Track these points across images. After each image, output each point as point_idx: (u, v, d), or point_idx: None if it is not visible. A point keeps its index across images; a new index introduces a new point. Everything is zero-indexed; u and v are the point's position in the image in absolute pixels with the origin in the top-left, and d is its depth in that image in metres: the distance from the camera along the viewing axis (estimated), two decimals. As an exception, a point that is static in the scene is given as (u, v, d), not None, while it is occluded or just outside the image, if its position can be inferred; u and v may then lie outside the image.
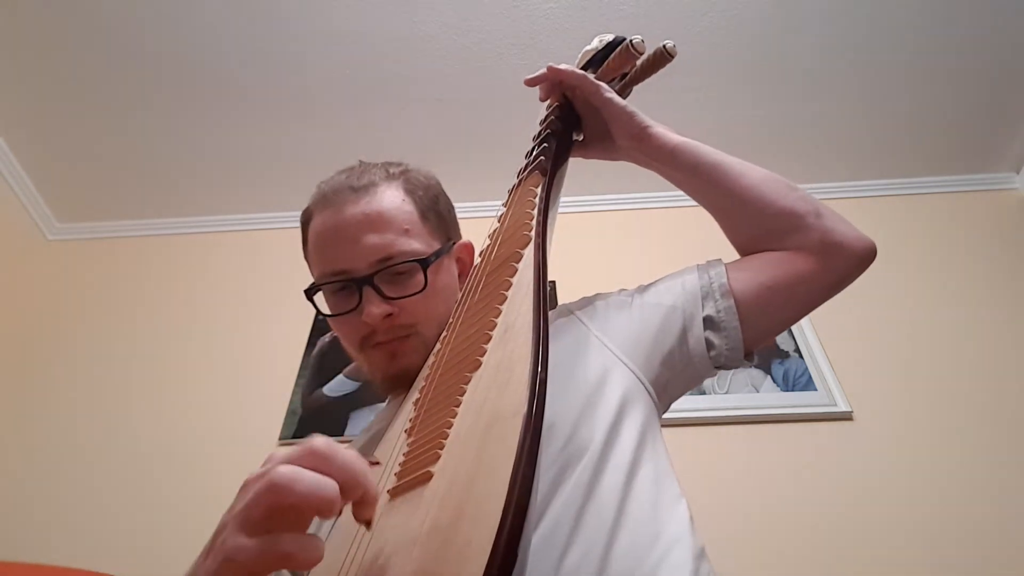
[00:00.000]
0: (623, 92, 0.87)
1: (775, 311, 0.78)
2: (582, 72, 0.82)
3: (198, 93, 2.27)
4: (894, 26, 2.14)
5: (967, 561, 1.61)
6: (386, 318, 0.74)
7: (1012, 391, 1.92)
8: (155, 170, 2.47)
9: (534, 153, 0.81)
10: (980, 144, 2.44)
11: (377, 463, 0.52)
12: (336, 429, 1.96)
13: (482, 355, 0.54)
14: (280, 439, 1.96)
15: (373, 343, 0.77)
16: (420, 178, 0.84)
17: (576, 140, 0.88)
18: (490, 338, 0.55)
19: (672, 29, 2.14)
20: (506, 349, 0.51)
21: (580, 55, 0.88)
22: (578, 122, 0.87)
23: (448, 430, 0.49)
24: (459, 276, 0.86)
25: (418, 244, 0.78)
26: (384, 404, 0.90)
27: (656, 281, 0.83)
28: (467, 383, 0.53)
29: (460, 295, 0.74)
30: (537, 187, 0.72)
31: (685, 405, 1.90)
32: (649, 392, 0.73)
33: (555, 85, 0.85)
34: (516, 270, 0.60)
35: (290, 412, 2.02)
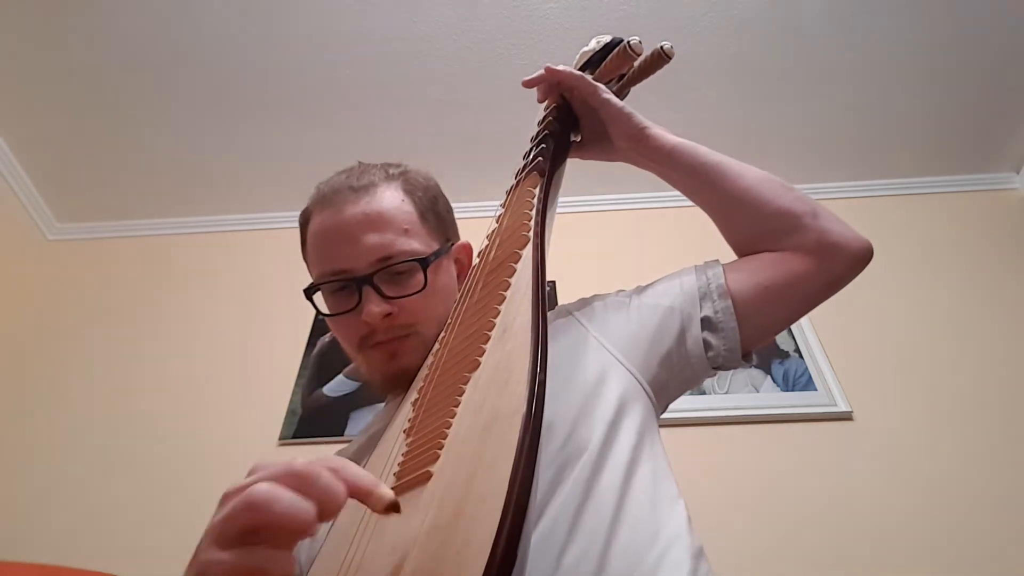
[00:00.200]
0: (621, 93, 0.87)
1: (773, 311, 0.78)
2: (580, 73, 0.82)
3: (198, 93, 2.27)
4: (894, 26, 2.14)
5: (967, 561, 1.61)
6: (385, 318, 0.75)
7: (1012, 391, 1.92)
8: (155, 170, 2.46)
9: (532, 154, 0.81)
10: (980, 144, 2.44)
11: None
12: (336, 429, 1.96)
13: (481, 355, 0.54)
14: (280, 439, 1.96)
15: (372, 343, 0.77)
16: (419, 179, 0.85)
17: (574, 141, 0.88)
18: (489, 338, 0.55)
19: (671, 29, 2.14)
20: (505, 349, 0.51)
21: (578, 56, 0.88)
22: (576, 123, 0.87)
23: (447, 430, 0.49)
24: (457, 277, 0.86)
25: (417, 244, 0.78)
26: (383, 404, 0.90)
27: (654, 282, 0.83)
28: (466, 383, 0.53)
29: (458, 295, 0.75)
30: (535, 188, 0.72)
31: (685, 405, 1.90)
32: (647, 392, 0.73)
33: (553, 86, 0.85)
34: (515, 271, 0.60)
35: (290, 412, 2.02)
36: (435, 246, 0.81)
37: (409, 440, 0.54)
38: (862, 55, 2.21)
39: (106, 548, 1.75)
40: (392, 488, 0.49)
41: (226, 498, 0.40)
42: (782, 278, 0.76)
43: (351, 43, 2.17)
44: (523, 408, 0.40)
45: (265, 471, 0.40)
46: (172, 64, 2.19)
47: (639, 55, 0.82)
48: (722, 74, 2.26)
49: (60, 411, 2.09)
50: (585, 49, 0.88)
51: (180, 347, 2.23)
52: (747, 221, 0.80)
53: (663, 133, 0.82)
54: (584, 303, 0.84)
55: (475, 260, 0.77)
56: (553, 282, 2.22)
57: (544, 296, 0.53)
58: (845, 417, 1.90)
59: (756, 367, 2.02)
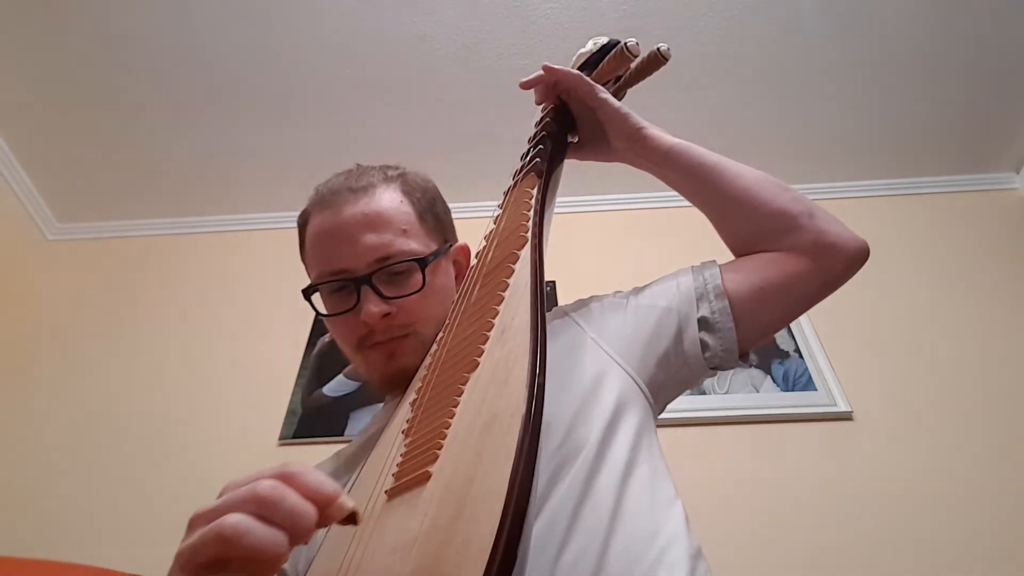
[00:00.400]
0: (617, 95, 0.87)
1: (769, 311, 0.78)
2: (578, 72, 0.82)
3: (198, 93, 2.27)
4: (893, 26, 2.14)
5: (968, 561, 1.61)
6: (384, 317, 0.75)
7: (1012, 391, 1.92)
8: (155, 170, 2.46)
9: (529, 155, 0.81)
10: (980, 144, 2.44)
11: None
12: (336, 429, 1.96)
13: (479, 355, 0.54)
14: (280, 439, 1.96)
15: (371, 343, 0.77)
16: (418, 181, 0.85)
17: (571, 142, 0.88)
18: (487, 339, 0.55)
19: (671, 29, 2.14)
20: (504, 350, 0.51)
21: (575, 58, 0.89)
22: (573, 124, 0.87)
23: (446, 430, 0.49)
24: (455, 278, 0.87)
25: (416, 244, 0.78)
26: (382, 405, 0.90)
27: (651, 283, 0.84)
28: (465, 383, 0.53)
29: (457, 296, 0.75)
30: (533, 188, 0.72)
31: (685, 405, 1.91)
32: (644, 393, 0.74)
33: (550, 88, 0.85)
34: (513, 271, 0.60)
35: (290, 412, 2.02)
36: (433, 247, 0.81)
37: (408, 441, 0.54)
38: (862, 55, 2.21)
39: (106, 548, 1.75)
40: (391, 488, 0.49)
41: (194, 523, 0.40)
42: (779, 278, 0.76)
43: (351, 43, 2.17)
44: (522, 408, 0.40)
45: (231, 497, 0.39)
46: (172, 64, 2.19)
47: (636, 57, 0.83)
48: (722, 74, 2.26)
49: (60, 411, 2.09)
50: (582, 51, 0.88)
51: (180, 347, 2.23)
52: (744, 221, 0.80)
53: (660, 134, 0.82)
54: (581, 304, 0.84)
55: (473, 261, 0.77)
56: (553, 282, 2.22)
57: (543, 297, 0.53)
58: (845, 417, 1.90)
59: (756, 367, 2.02)
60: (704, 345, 0.75)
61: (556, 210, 2.54)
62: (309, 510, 0.39)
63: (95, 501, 1.87)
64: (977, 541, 1.64)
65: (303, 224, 0.84)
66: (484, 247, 0.75)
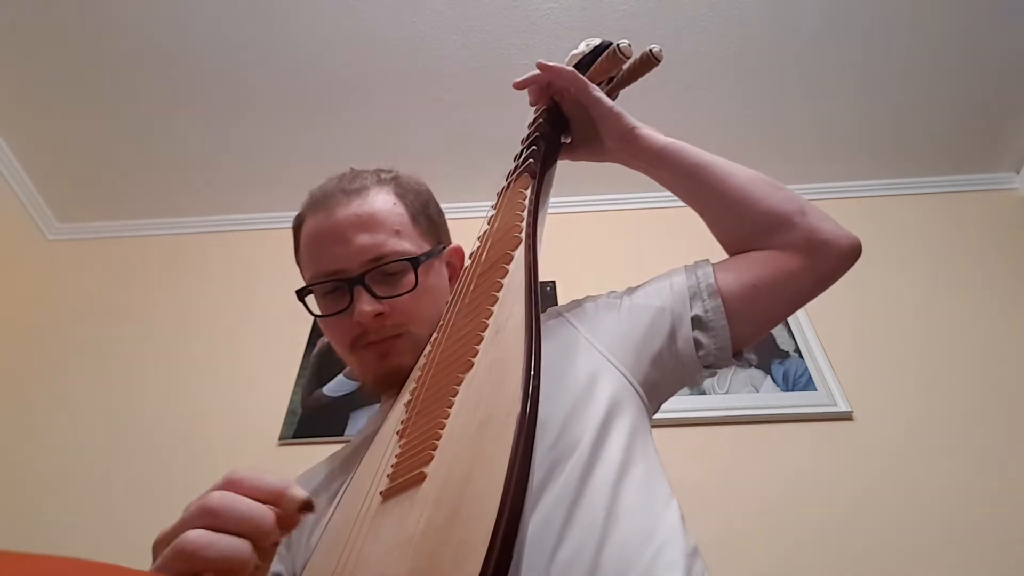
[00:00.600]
0: (610, 96, 0.87)
1: (762, 309, 0.78)
2: (571, 70, 0.82)
3: (198, 93, 2.27)
4: (893, 26, 2.14)
5: (967, 561, 1.61)
6: (377, 317, 0.75)
7: (1012, 391, 1.92)
8: (155, 170, 2.47)
9: (523, 156, 0.81)
10: (980, 144, 2.44)
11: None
12: (336, 429, 1.96)
13: (474, 356, 0.54)
14: (280, 439, 1.96)
15: (364, 343, 0.77)
16: (411, 183, 0.86)
17: (564, 142, 0.88)
18: (482, 339, 0.55)
19: (671, 29, 2.14)
20: (498, 350, 0.51)
21: (567, 59, 0.89)
22: (566, 124, 0.87)
23: (441, 431, 0.49)
24: (449, 280, 0.87)
25: (409, 245, 0.79)
26: (379, 406, 0.90)
27: (645, 283, 0.84)
28: (459, 384, 0.53)
29: (451, 297, 0.75)
30: (526, 189, 0.72)
31: (686, 405, 1.91)
32: (639, 393, 0.74)
33: (544, 88, 0.85)
34: (507, 271, 0.60)
35: (290, 412, 2.02)
36: (426, 247, 0.82)
37: (403, 441, 0.54)
38: (862, 55, 2.21)
39: (105, 547, 1.75)
40: (386, 489, 0.49)
41: (156, 547, 0.41)
42: (772, 276, 0.76)
43: (351, 43, 2.17)
44: (517, 409, 0.40)
45: (185, 517, 0.40)
46: (172, 64, 2.19)
47: (628, 58, 0.83)
48: (722, 74, 2.26)
49: (60, 411, 2.09)
50: (574, 52, 0.88)
51: (180, 347, 2.23)
52: (737, 220, 0.80)
53: (653, 133, 0.82)
54: (575, 304, 0.85)
55: (467, 262, 0.77)
56: (553, 282, 2.23)
57: (537, 296, 0.53)
58: (845, 417, 1.90)
59: (756, 367, 2.02)
60: (698, 344, 0.75)
61: (556, 210, 2.55)
62: (261, 510, 0.40)
63: (94, 501, 1.87)
64: (977, 541, 1.64)
65: (298, 227, 0.85)
66: (478, 248, 0.75)
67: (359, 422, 1.96)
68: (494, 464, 0.38)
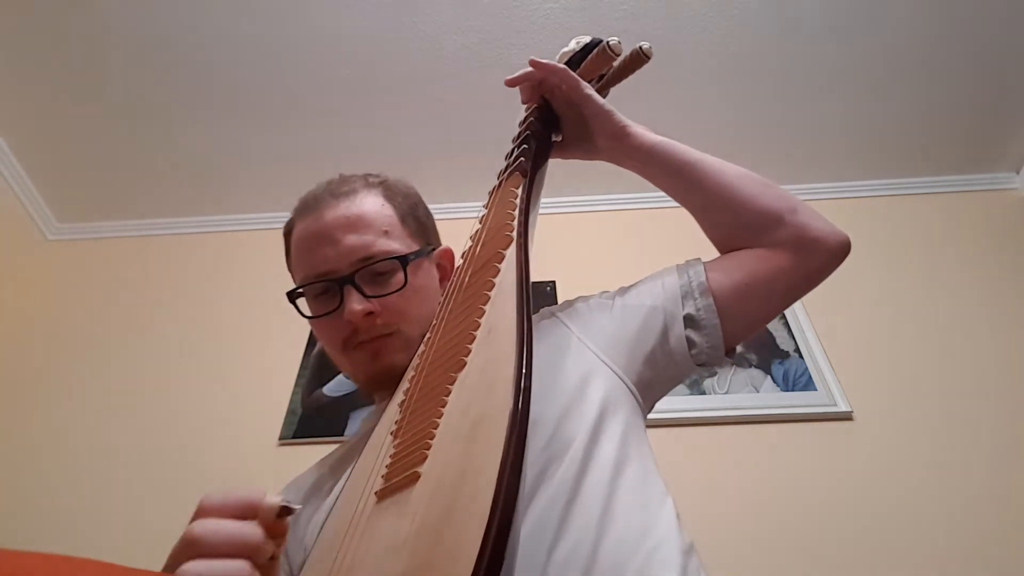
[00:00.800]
0: (600, 94, 0.87)
1: (754, 307, 0.79)
2: (562, 67, 0.82)
3: (198, 93, 2.27)
4: (893, 26, 2.14)
5: (967, 561, 1.61)
6: (367, 316, 0.76)
7: (1012, 391, 1.91)
8: (155, 170, 2.47)
9: (514, 155, 0.82)
10: (980, 144, 2.44)
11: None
12: (336, 429, 1.96)
13: (467, 356, 0.54)
14: (280, 439, 1.96)
15: (355, 343, 0.78)
16: (399, 186, 0.87)
17: (555, 141, 0.88)
18: (474, 339, 0.55)
19: (671, 29, 2.14)
20: (491, 350, 0.51)
21: (557, 56, 0.89)
22: (557, 123, 0.87)
23: (434, 431, 0.49)
24: (440, 282, 0.88)
25: (398, 245, 0.80)
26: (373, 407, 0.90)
27: (637, 283, 0.84)
28: (452, 383, 0.53)
29: (443, 297, 0.75)
30: (518, 188, 0.73)
31: (685, 405, 1.91)
32: (632, 392, 0.74)
33: (535, 86, 0.86)
34: (499, 271, 0.61)
35: (290, 412, 2.02)
36: (415, 248, 0.82)
37: (396, 442, 0.54)
38: (862, 55, 2.21)
39: (105, 548, 1.75)
40: (381, 490, 0.49)
41: None
42: (762, 274, 0.77)
43: (351, 43, 2.17)
44: (509, 407, 0.41)
45: (173, 555, 0.41)
46: (172, 64, 2.20)
47: (618, 55, 0.83)
48: (722, 74, 2.26)
49: (60, 411, 2.09)
50: (565, 50, 0.88)
51: (180, 347, 2.23)
52: (728, 219, 0.81)
53: (644, 132, 0.82)
54: (567, 305, 0.85)
55: (459, 261, 0.77)
56: (553, 282, 2.23)
57: (529, 295, 0.53)
58: (845, 417, 1.89)
59: (756, 367, 2.02)
60: (690, 342, 0.76)
61: (556, 210, 2.55)
62: (245, 527, 0.41)
63: (94, 501, 1.87)
64: (977, 541, 1.64)
65: (288, 232, 0.86)
66: (470, 247, 0.75)
67: (359, 422, 1.96)
68: (486, 463, 0.38)
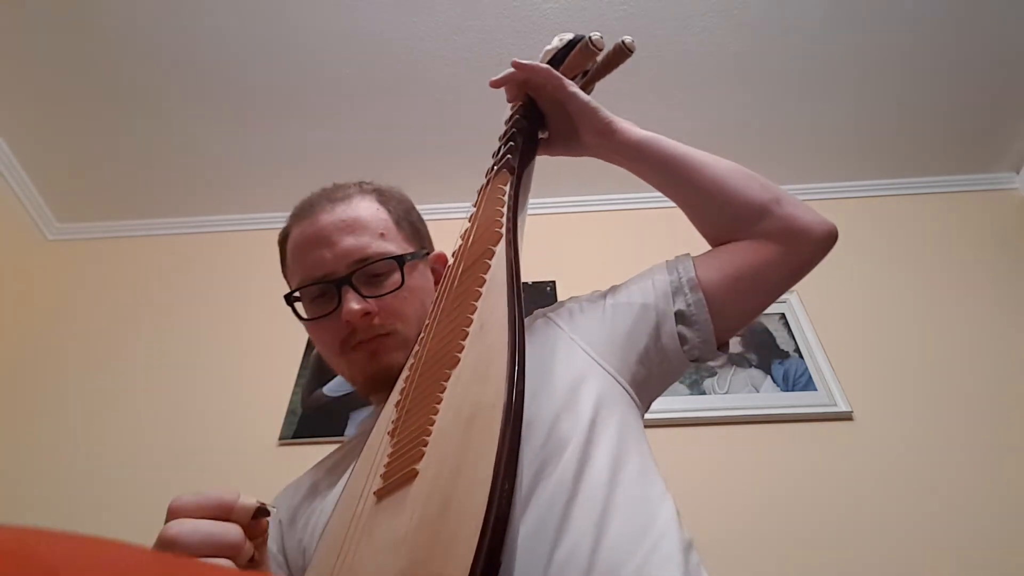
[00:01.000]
0: (584, 90, 0.88)
1: (744, 300, 0.79)
2: (547, 66, 0.83)
3: (198, 93, 2.27)
4: (893, 26, 2.14)
5: (967, 561, 1.61)
6: (365, 316, 0.76)
7: (1012, 391, 1.91)
8: (155, 170, 2.47)
9: (501, 152, 0.82)
10: (980, 144, 2.44)
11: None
12: (336, 429, 1.96)
13: (460, 352, 0.54)
14: (280, 439, 1.96)
15: (354, 343, 0.78)
16: (393, 192, 0.89)
17: (541, 138, 0.89)
18: (467, 335, 0.55)
19: (671, 29, 2.14)
20: (483, 344, 0.51)
21: (541, 54, 0.89)
22: (543, 119, 0.87)
23: (431, 427, 0.49)
24: (434, 285, 0.89)
25: (393, 247, 0.81)
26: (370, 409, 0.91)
27: (627, 281, 0.84)
28: (447, 380, 0.53)
29: (436, 297, 0.75)
30: (506, 185, 0.73)
31: (685, 405, 1.91)
32: (627, 391, 0.74)
33: (521, 85, 0.86)
34: (489, 267, 0.61)
35: (290, 412, 2.03)
36: (410, 250, 0.84)
37: (394, 441, 0.54)
38: (862, 55, 2.21)
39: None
40: (379, 489, 0.49)
41: None
42: (751, 266, 0.77)
43: (351, 43, 2.17)
44: (503, 398, 0.41)
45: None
46: (172, 64, 2.20)
47: (601, 50, 0.84)
48: (722, 74, 2.26)
49: (60, 411, 2.09)
50: (548, 47, 0.89)
51: (180, 347, 2.24)
52: (715, 212, 0.81)
53: (630, 127, 0.82)
54: (559, 305, 0.86)
55: (450, 261, 0.78)
56: (553, 282, 2.23)
57: (519, 289, 0.53)
58: (845, 417, 1.90)
59: (756, 367, 2.02)
60: (682, 338, 0.76)
61: (556, 210, 2.55)
62: (220, 526, 0.41)
63: (94, 501, 1.87)
64: (977, 541, 1.64)
65: (284, 239, 0.87)
66: (460, 246, 0.75)
67: (358, 422, 1.96)
68: (482, 456, 0.38)
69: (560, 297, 2.18)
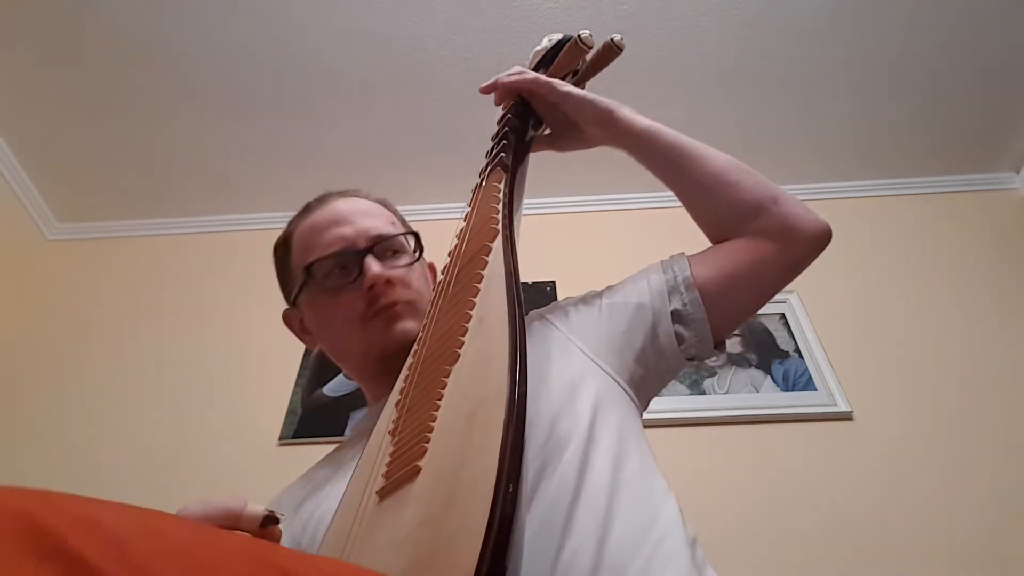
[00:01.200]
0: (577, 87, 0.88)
1: (739, 298, 0.79)
2: (532, 75, 0.84)
3: (198, 93, 2.27)
4: (893, 26, 2.14)
5: (967, 561, 1.61)
6: (387, 283, 0.79)
7: (1012, 391, 1.91)
8: (155, 170, 2.47)
9: (494, 151, 0.83)
10: (980, 144, 2.44)
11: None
12: (336, 429, 1.96)
13: (460, 348, 0.54)
14: (280, 439, 1.96)
15: (374, 311, 0.80)
16: (391, 204, 0.95)
17: (545, 134, 0.90)
18: (466, 331, 0.55)
19: (671, 30, 2.14)
20: (483, 339, 0.51)
21: (531, 55, 0.90)
22: (534, 116, 0.88)
23: (432, 424, 0.49)
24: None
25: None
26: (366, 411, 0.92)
27: (623, 281, 0.85)
28: (447, 376, 0.53)
29: (433, 296, 0.76)
30: (500, 183, 0.73)
31: (686, 405, 1.91)
32: (625, 390, 0.74)
33: (510, 92, 0.87)
34: (487, 263, 0.61)
35: (290, 412, 2.02)
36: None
37: (395, 440, 0.54)
38: (862, 55, 2.21)
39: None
40: (382, 488, 0.49)
41: None
42: (746, 265, 0.77)
43: (351, 43, 2.17)
44: (505, 388, 0.40)
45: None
46: (172, 64, 2.20)
47: (590, 48, 0.84)
48: (722, 75, 2.26)
49: (60, 411, 2.09)
50: (537, 48, 0.89)
51: (180, 347, 2.23)
52: (713, 207, 0.82)
53: (631, 116, 0.82)
54: (555, 306, 0.86)
55: (446, 259, 0.78)
56: (553, 282, 2.23)
57: (517, 283, 0.53)
58: (845, 417, 1.90)
59: (756, 367, 2.02)
60: (679, 337, 0.76)
61: (556, 210, 2.54)
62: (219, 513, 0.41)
63: (94, 501, 1.87)
64: (976, 541, 1.64)
65: (285, 240, 0.91)
66: (456, 244, 0.75)
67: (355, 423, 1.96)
68: (485, 449, 0.38)
69: (560, 297, 2.18)
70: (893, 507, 1.71)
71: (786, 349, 2.07)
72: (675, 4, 2.10)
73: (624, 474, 0.63)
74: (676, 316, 0.77)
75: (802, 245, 0.77)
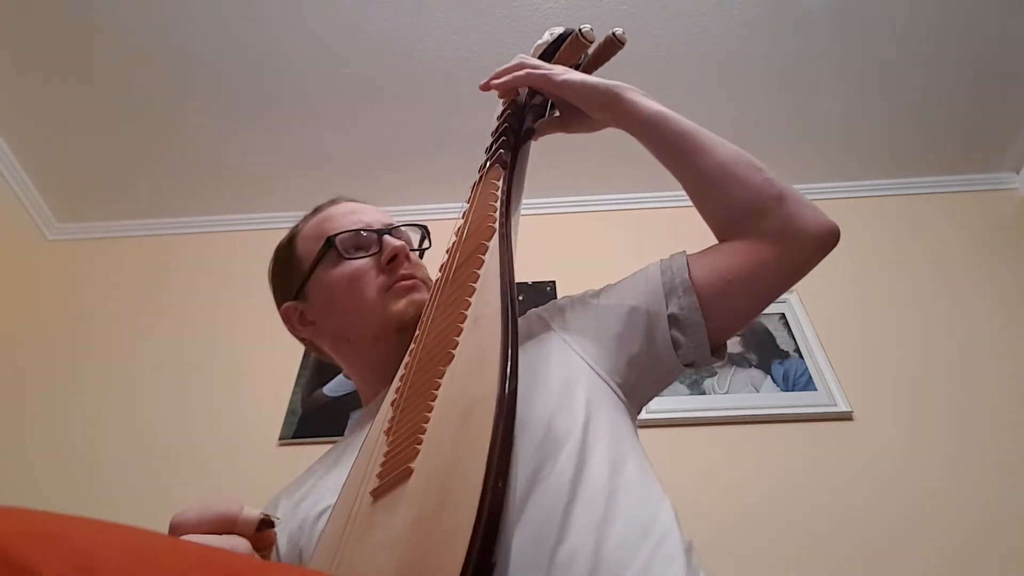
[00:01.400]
0: None
1: (738, 302, 0.76)
2: (526, 70, 0.83)
3: (198, 93, 2.27)
4: (895, 27, 2.14)
5: (967, 560, 1.61)
6: (406, 256, 0.85)
7: (1012, 390, 1.91)
8: (155, 170, 2.47)
9: (493, 148, 0.82)
10: (980, 144, 2.44)
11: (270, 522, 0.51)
12: (336, 429, 1.96)
13: (455, 348, 0.54)
14: (280, 439, 1.96)
15: (394, 280, 0.83)
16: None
17: (549, 117, 0.89)
18: (461, 330, 0.55)
19: (672, 29, 2.14)
20: (477, 339, 0.50)
21: (532, 49, 0.89)
22: (531, 114, 0.87)
23: (426, 424, 0.49)
24: None
25: None
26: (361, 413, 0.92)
27: (620, 281, 0.83)
28: (441, 376, 0.52)
29: (430, 295, 0.75)
30: (498, 180, 0.72)
31: (686, 405, 1.91)
32: (616, 393, 0.73)
33: (508, 92, 0.87)
34: (483, 262, 0.60)
35: (290, 412, 2.02)
36: None
37: (390, 440, 0.54)
38: (863, 56, 2.21)
39: (105, 547, 1.74)
40: (375, 489, 0.49)
41: None
42: (746, 268, 0.74)
43: (351, 43, 2.17)
44: (495, 390, 0.40)
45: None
46: (172, 64, 2.20)
47: (592, 42, 0.83)
48: (722, 74, 2.26)
49: (60, 410, 2.09)
50: (539, 42, 0.89)
51: (180, 347, 2.24)
52: (716, 203, 0.78)
53: (638, 100, 0.80)
54: (552, 306, 0.85)
55: (444, 257, 0.77)
56: (553, 282, 2.22)
57: (512, 283, 0.53)
58: (845, 417, 1.89)
59: (756, 367, 2.02)
60: (676, 343, 0.74)
61: (556, 210, 2.54)
62: (226, 541, 0.40)
63: (93, 501, 1.87)
64: (977, 541, 1.63)
65: (291, 239, 0.95)
66: (454, 243, 0.75)
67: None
68: (476, 449, 0.37)
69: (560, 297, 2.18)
70: (893, 507, 1.71)
71: (786, 349, 2.07)
72: (675, 4, 2.10)
73: (621, 477, 0.62)
74: (673, 320, 0.74)
75: (803, 247, 0.73)
